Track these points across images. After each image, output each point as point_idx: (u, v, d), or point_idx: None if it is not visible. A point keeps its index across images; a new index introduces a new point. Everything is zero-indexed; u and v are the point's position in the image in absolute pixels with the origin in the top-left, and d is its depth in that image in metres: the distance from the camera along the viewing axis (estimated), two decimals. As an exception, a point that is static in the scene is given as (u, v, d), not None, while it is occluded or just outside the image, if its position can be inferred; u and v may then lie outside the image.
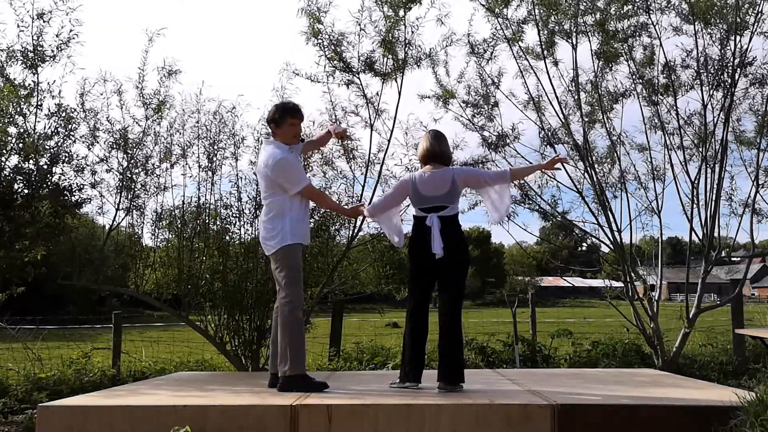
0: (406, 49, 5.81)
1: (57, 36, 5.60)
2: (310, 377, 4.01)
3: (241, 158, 6.09)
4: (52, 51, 5.62)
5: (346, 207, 5.33)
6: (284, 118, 4.18)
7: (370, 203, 4.90)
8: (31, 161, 5.60)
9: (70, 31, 5.60)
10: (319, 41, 5.75)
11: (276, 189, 4.07)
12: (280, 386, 3.93)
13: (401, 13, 5.72)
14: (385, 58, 5.83)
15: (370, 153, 5.96)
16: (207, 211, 6.00)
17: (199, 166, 6.01)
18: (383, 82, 5.89)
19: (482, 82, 6.90)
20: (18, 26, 5.53)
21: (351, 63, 5.83)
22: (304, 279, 4.51)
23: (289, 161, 4.08)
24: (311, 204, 4.47)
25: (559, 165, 4.40)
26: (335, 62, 5.81)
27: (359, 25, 5.75)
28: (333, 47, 5.78)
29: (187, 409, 3.40)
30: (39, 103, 5.67)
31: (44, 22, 5.56)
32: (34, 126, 5.67)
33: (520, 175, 4.94)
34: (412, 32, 5.78)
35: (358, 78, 5.89)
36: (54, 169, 5.73)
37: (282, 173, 4.03)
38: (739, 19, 6.30)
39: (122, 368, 6.91)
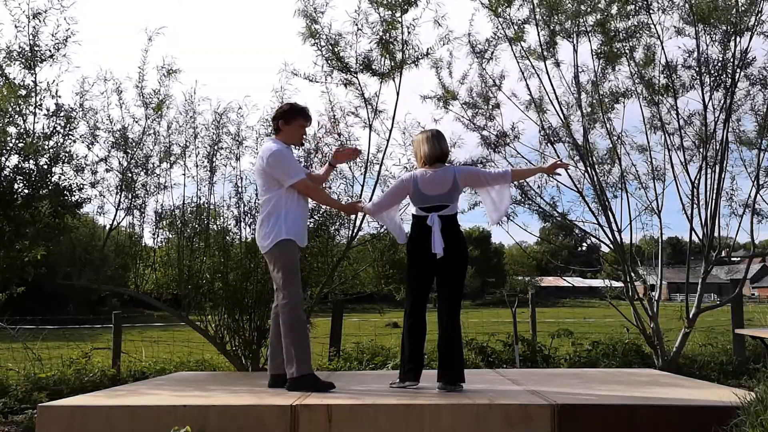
0: (404, 48, 5.81)
1: (53, 35, 5.61)
2: (318, 377, 3.98)
3: (241, 158, 6.10)
4: (50, 50, 5.62)
5: (343, 203, 5.29)
6: (296, 118, 4.16)
7: (369, 201, 4.89)
8: (31, 161, 5.60)
9: (67, 29, 5.61)
10: (317, 42, 5.75)
11: (272, 184, 4.05)
12: (289, 387, 3.91)
13: (398, 14, 5.72)
14: (383, 58, 5.83)
15: (369, 153, 5.97)
16: (207, 210, 6.00)
17: (197, 166, 6.02)
18: (381, 82, 5.89)
19: (483, 83, 6.90)
20: (15, 26, 5.53)
21: (349, 63, 5.83)
22: (304, 279, 4.49)
23: (285, 153, 4.07)
24: (311, 203, 4.45)
25: (559, 169, 4.40)
26: (333, 62, 5.81)
27: (356, 25, 5.75)
28: (330, 47, 5.78)
29: (187, 409, 3.40)
30: (38, 102, 5.67)
31: (40, 21, 5.56)
32: (34, 126, 5.67)
33: (521, 176, 4.94)
34: (409, 32, 5.77)
35: (356, 78, 5.89)
36: (54, 169, 5.73)
37: (278, 165, 4.02)
38: (740, 21, 6.30)
39: (122, 368, 6.90)
